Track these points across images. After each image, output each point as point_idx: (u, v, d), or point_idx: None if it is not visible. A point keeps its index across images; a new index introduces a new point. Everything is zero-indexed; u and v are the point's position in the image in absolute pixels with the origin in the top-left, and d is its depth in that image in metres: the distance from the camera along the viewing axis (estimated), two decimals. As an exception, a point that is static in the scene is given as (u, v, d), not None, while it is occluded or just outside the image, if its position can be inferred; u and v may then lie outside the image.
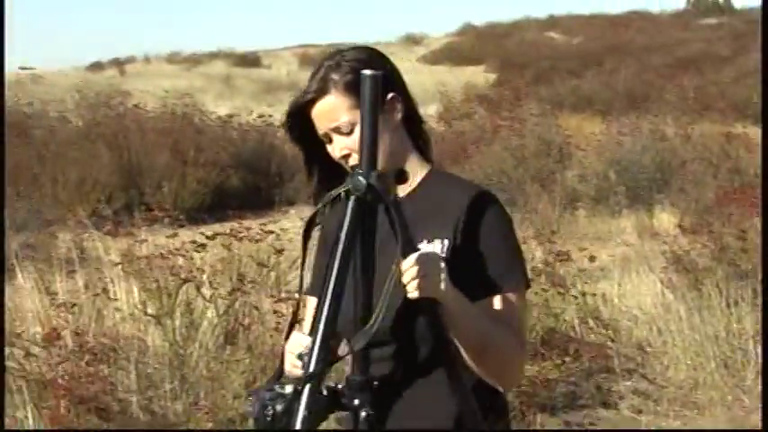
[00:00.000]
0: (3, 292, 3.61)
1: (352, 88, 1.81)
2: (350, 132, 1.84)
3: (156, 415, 4.30)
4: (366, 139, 1.67)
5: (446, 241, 1.82)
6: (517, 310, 1.84)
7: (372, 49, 1.97)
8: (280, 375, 1.68)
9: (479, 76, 24.38)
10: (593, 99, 16.78)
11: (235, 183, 12.03)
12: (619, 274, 5.70)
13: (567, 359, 4.46)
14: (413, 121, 1.95)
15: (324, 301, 1.62)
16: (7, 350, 4.36)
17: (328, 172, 1.95)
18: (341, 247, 1.63)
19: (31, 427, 4.12)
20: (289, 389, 1.56)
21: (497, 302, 1.81)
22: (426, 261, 1.67)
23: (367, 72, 1.65)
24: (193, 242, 5.16)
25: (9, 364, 4.31)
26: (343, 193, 1.66)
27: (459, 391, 1.73)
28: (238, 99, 22.05)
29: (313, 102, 1.87)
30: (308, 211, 1.89)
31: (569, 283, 4.88)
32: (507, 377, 1.91)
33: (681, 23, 36.81)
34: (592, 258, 5.20)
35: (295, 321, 1.73)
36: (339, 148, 1.87)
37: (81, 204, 9.51)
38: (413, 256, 1.66)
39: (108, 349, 4.42)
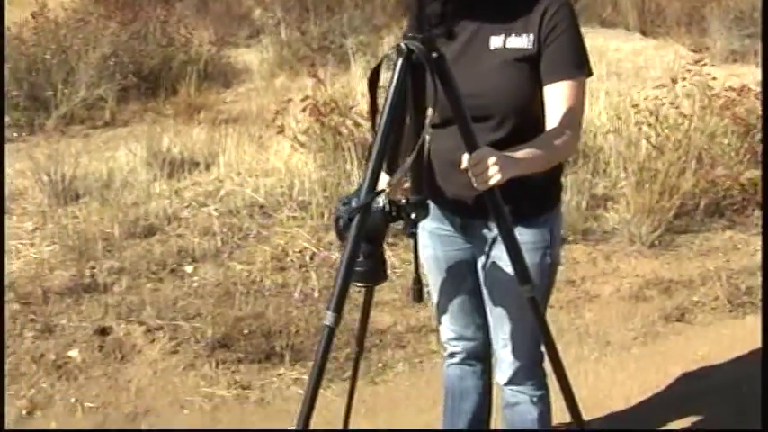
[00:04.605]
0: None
1: None
2: None
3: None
4: (414, 7, 1.57)
5: (531, 35, 1.83)
6: (576, 94, 1.84)
7: None
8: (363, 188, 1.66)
9: None
10: None
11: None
12: None
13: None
14: None
15: (375, 143, 1.61)
16: (340, 119, 4.64)
17: None
18: (389, 99, 1.59)
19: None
20: (354, 203, 1.64)
21: (563, 87, 1.83)
22: (487, 157, 1.62)
23: None
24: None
25: (342, 130, 4.58)
26: (395, 54, 1.60)
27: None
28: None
29: None
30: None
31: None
32: (568, 157, 2.16)
33: None
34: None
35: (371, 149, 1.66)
36: None
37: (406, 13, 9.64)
38: (477, 153, 1.62)
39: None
